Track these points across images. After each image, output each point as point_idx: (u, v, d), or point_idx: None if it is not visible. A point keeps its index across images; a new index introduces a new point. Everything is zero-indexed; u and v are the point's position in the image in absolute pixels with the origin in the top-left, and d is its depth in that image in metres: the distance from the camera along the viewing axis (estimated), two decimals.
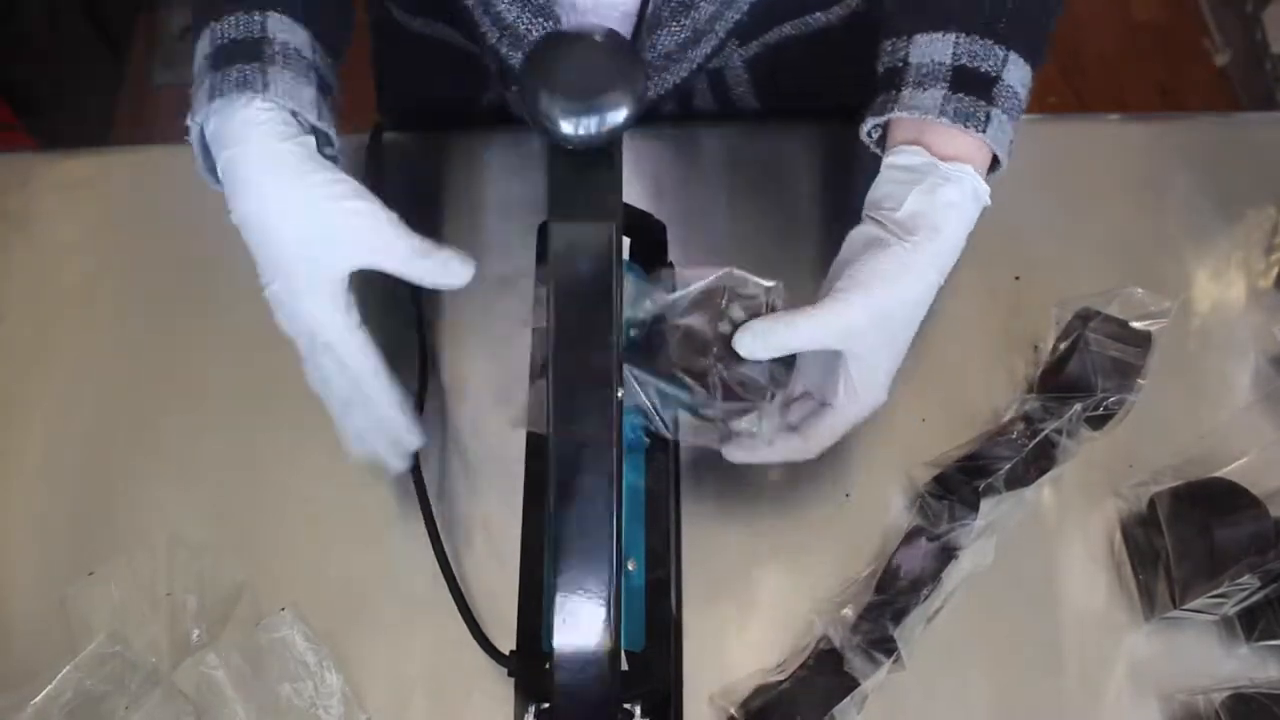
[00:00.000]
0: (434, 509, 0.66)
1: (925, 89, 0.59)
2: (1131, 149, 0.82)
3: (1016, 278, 0.75)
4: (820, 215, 0.78)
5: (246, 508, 0.69)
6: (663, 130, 0.81)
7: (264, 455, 0.71)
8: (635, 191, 0.77)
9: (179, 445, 0.72)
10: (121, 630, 0.63)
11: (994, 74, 0.59)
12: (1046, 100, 1.93)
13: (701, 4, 0.68)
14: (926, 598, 0.63)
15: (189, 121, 0.58)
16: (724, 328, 0.56)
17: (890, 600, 0.62)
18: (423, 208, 0.79)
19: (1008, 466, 0.65)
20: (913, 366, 0.70)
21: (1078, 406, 0.65)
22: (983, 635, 0.65)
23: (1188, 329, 0.73)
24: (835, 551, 0.66)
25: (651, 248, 0.68)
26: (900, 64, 0.61)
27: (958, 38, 0.59)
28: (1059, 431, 0.65)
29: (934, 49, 0.60)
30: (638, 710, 0.51)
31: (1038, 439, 0.65)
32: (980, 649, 0.64)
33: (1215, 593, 0.60)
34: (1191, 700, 0.61)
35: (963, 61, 0.59)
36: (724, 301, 0.57)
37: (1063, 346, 0.68)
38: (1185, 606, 0.62)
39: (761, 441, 0.60)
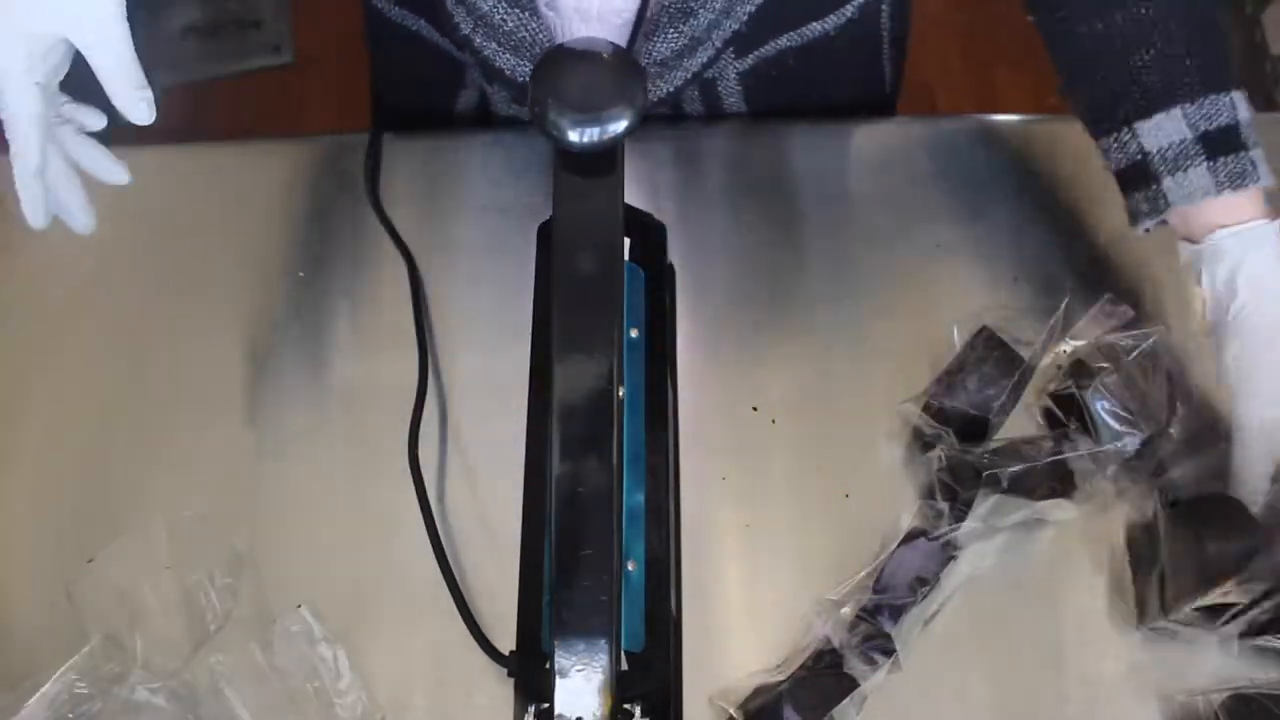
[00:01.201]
0: (434, 509, 0.66)
1: (1185, 170, 0.59)
2: None
3: (1015, 279, 0.75)
4: (819, 216, 0.78)
5: (246, 508, 0.69)
6: (663, 132, 0.81)
7: (263, 456, 0.71)
8: (635, 192, 0.77)
9: (180, 445, 0.72)
10: (125, 626, 0.63)
11: (1232, 121, 0.60)
12: (1046, 100, 1.92)
13: (701, 12, 0.68)
14: (924, 598, 0.63)
15: None
16: None
17: (888, 600, 0.62)
18: (423, 209, 0.79)
19: (1019, 468, 0.64)
20: (913, 366, 0.71)
21: (1112, 448, 0.65)
22: (983, 636, 0.65)
23: (1187, 330, 0.73)
24: (835, 551, 0.66)
25: (651, 248, 0.68)
26: (1139, 156, 0.61)
27: (1183, 108, 0.60)
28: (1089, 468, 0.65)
29: (1165, 129, 0.60)
30: (638, 710, 0.51)
31: (1057, 458, 0.65)
32: (980, 650, 0.64)
33: (1199, 605, 0.60)
34: (1191, 701, 0.61)
35: (1201, 128, 0.59)
36: None
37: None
38: (1172, 618, 0.62)
39: None
